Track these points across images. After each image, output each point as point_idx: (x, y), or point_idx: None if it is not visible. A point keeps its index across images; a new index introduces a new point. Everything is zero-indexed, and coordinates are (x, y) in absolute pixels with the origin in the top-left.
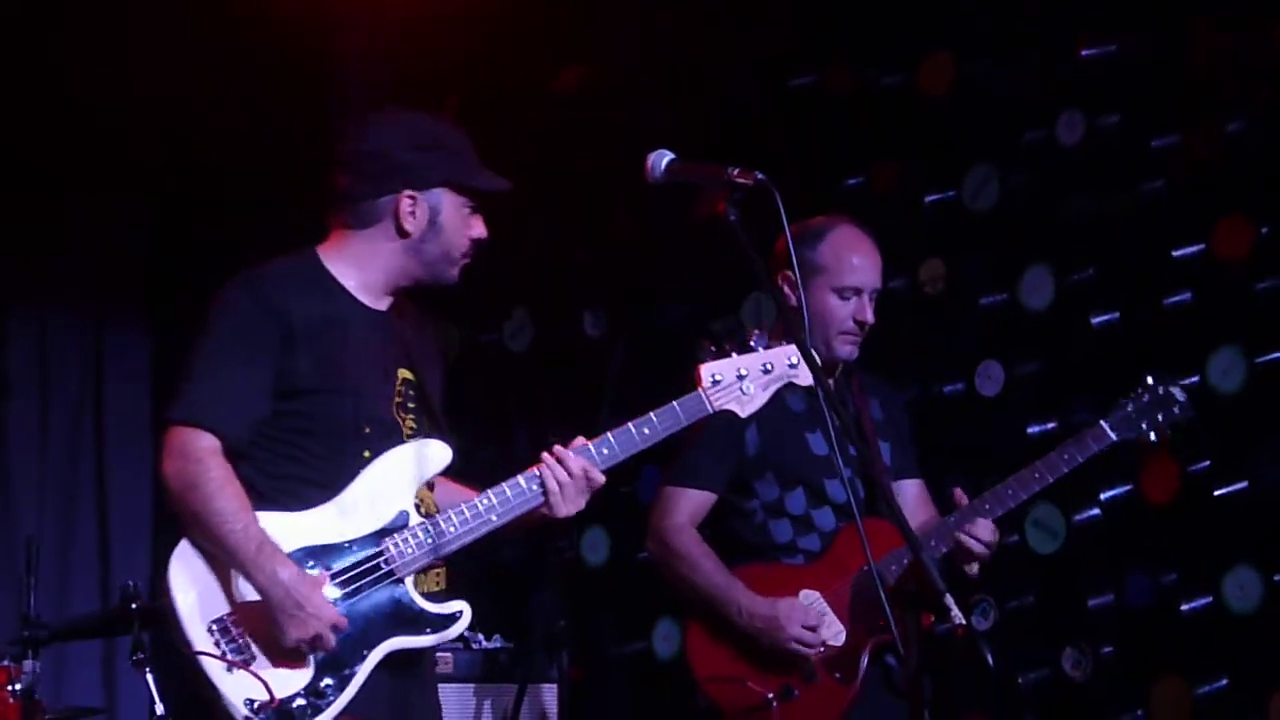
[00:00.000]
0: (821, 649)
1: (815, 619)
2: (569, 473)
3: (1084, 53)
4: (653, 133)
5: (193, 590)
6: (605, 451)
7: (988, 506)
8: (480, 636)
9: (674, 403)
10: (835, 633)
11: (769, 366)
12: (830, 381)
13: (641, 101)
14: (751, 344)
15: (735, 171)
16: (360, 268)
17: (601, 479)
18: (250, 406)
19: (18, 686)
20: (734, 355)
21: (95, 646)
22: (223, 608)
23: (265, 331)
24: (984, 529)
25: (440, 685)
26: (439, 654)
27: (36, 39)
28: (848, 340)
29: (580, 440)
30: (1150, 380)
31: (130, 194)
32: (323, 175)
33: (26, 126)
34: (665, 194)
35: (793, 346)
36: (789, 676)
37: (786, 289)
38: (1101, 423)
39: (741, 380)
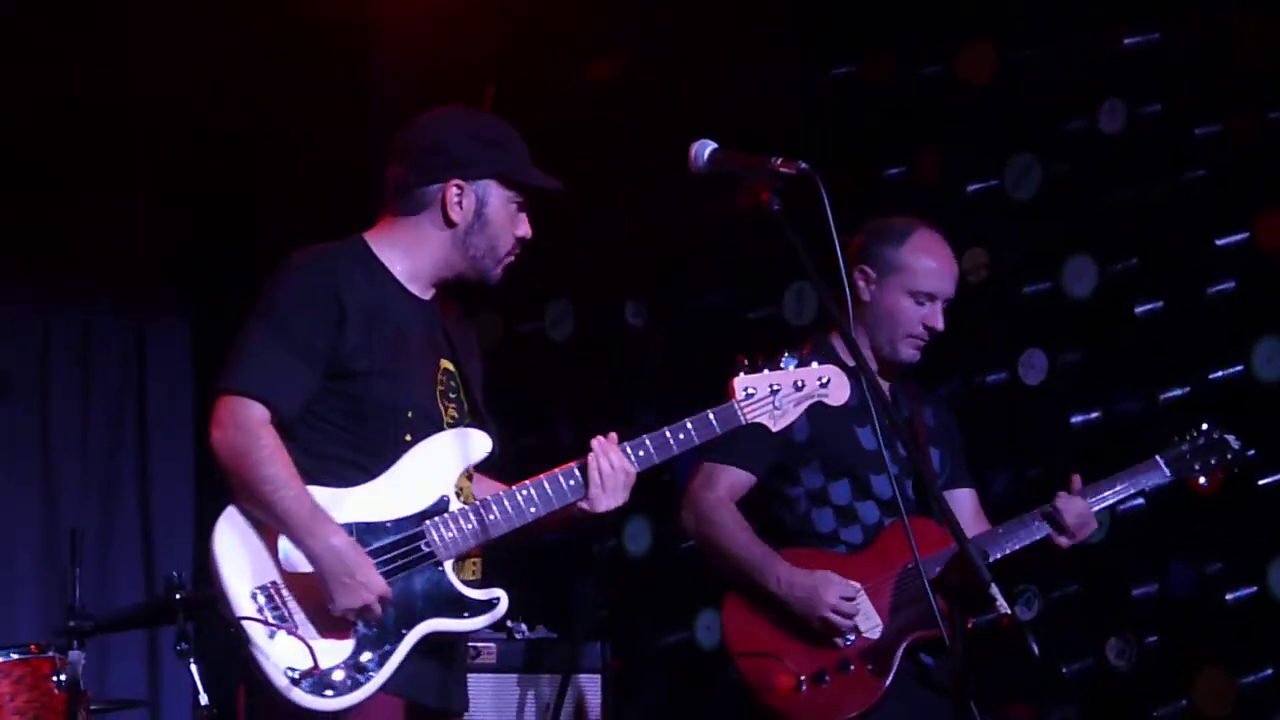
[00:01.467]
0: (856, 634)
1: (852, 593)
2: (612, 464)
3: (1126, 41)
4: (692, 122)
5: (238, 556)
6: (641, 454)
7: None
8: (523, 626)
9: (709, 412)
10: (872, 625)
11: (800, 384)
12: (887, 385)
13: (680, 91)
14: (782, 364)
15: (779, 161)
16: (407, 255)
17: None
18: (303, 382)
19: (63, 677)
20: (766, 371)
21: (139, 638)
22: (269, 574)
23: (320, 310)
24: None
25: (483, 676)
26: (482, 644)
27: (79, 44)
28: (913, 344)
29: (612, 435)
30: (1205, 426)
31: (170, 192)
32: (378, 170)
33: (69, 129)
34: (708, 183)
35: (827, 367)
36: (824, 661)
37: (861, 283)
38: (1157, 458)
39: (774, 395)
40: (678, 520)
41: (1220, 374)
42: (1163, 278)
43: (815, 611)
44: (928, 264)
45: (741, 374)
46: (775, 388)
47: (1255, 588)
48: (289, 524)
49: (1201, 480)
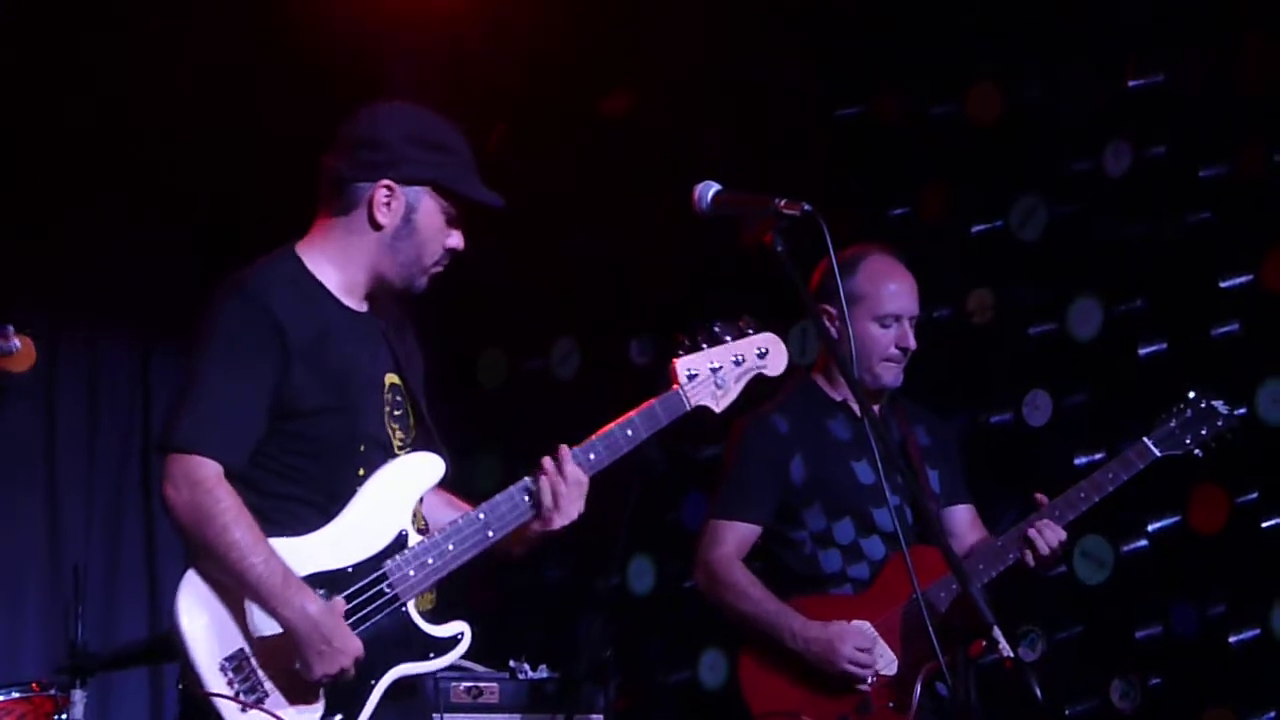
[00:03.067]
0: (875, 676)
1: (869, 642)
2: (566, 481)
3: (1131, 84)
4: (700, 159)
5: (203, 625)
6: (593, 457)
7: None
8: (526, 666)
9: (654, 403)
10: (888, 661)
11: (740, 358)
12: (875, 409)
13: (689, 127)
14: (718, 332)
15: (782, 202)
16: (339, 266)
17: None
18: (251, 429)
19: (65, 717)
20: (705, 348)
21: (142, 675)
22: (236, 641)
23: (262, 344)
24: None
25: (486, 716)
26: (484, 684)
27: (89, 64)
28: (891, 367)
29: (564, 448)
30: (1192, 395)
31: (178, 216)
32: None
33: (76, 148)
34: (713, 223)
35: (763, 335)
36: (844, 708)
37: (827, 322)
38: (1145, 439)
39: (715, 374)
40: (690, 574)
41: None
42: (1167, 319)
43: (833, 664)
44: (885, 287)
45: (681, 354)
46: (715, 366)
47: (1259, 630)
48: (261, 592)
49: (1196, 452)
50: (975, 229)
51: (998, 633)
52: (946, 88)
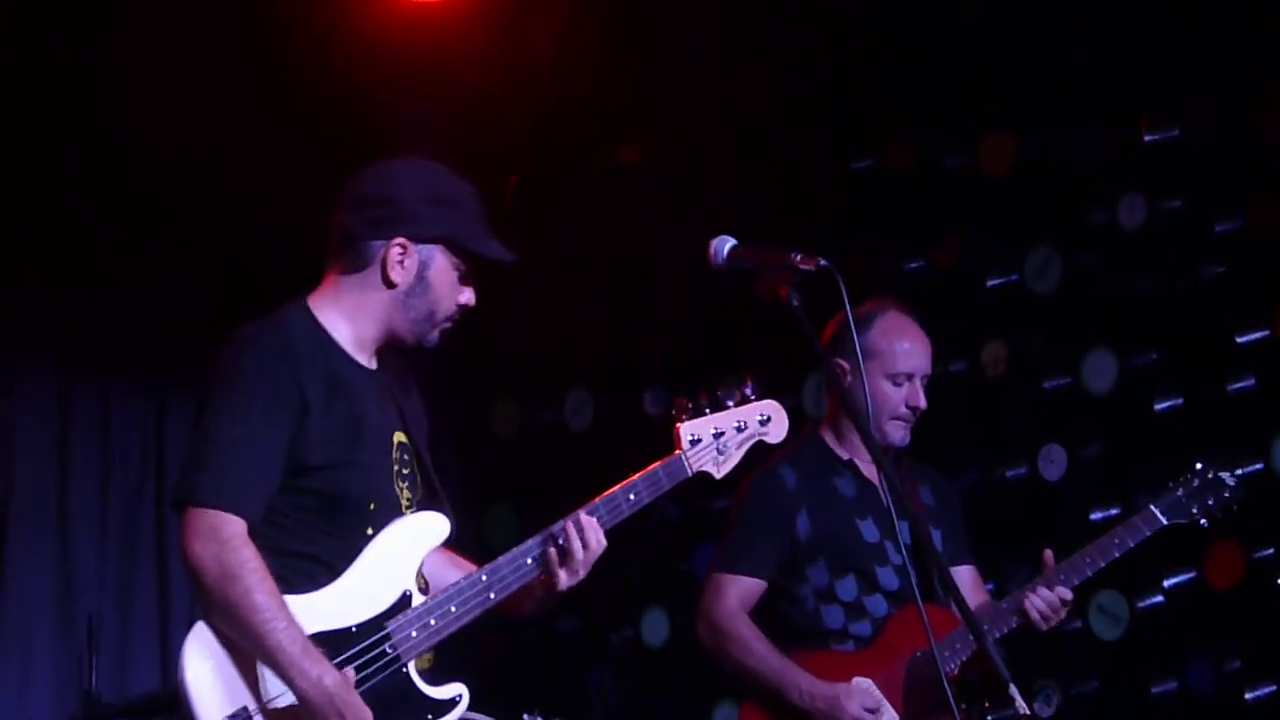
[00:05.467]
0: None
1: (874, 702)
2: (586, 544)
3: (1147, 137)
4: (714, 210)
5: (210, 681)
6: (595, 519)
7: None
8: (539, 719)
9: (658, 467)
10: (890, 718)
11: (742, 424)
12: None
13: (702, 180)
14: (721, 396)
15: (798, 257)
16: (350, 321)
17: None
18: (270, 483)
19: None
20: (709, 413)
21: None
22: (240, 700)
23: (280, 395)
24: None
25: None
26: None
27: (98, 115)
28: (900, 425)
29: (591, 519)
30: (1199, 466)
31: (191, 268)
32: (328, 215)
33: (88, 199)
34: (728, 276)
35: (765, 402)
36: None
37: (840, 376)
38: (1151, 507)
39: (717, 439)
40: (694, 630)
41: (1241, 471)
42: (1183, 373)
43: None
44: (901, 345)
45: (685, 419)
46: (718, 431)
47: (1275, 686)
48: (278, 659)
49: (1202, 522)
50: (990, 282)
51: (1014, 689)
52: (960, 140)
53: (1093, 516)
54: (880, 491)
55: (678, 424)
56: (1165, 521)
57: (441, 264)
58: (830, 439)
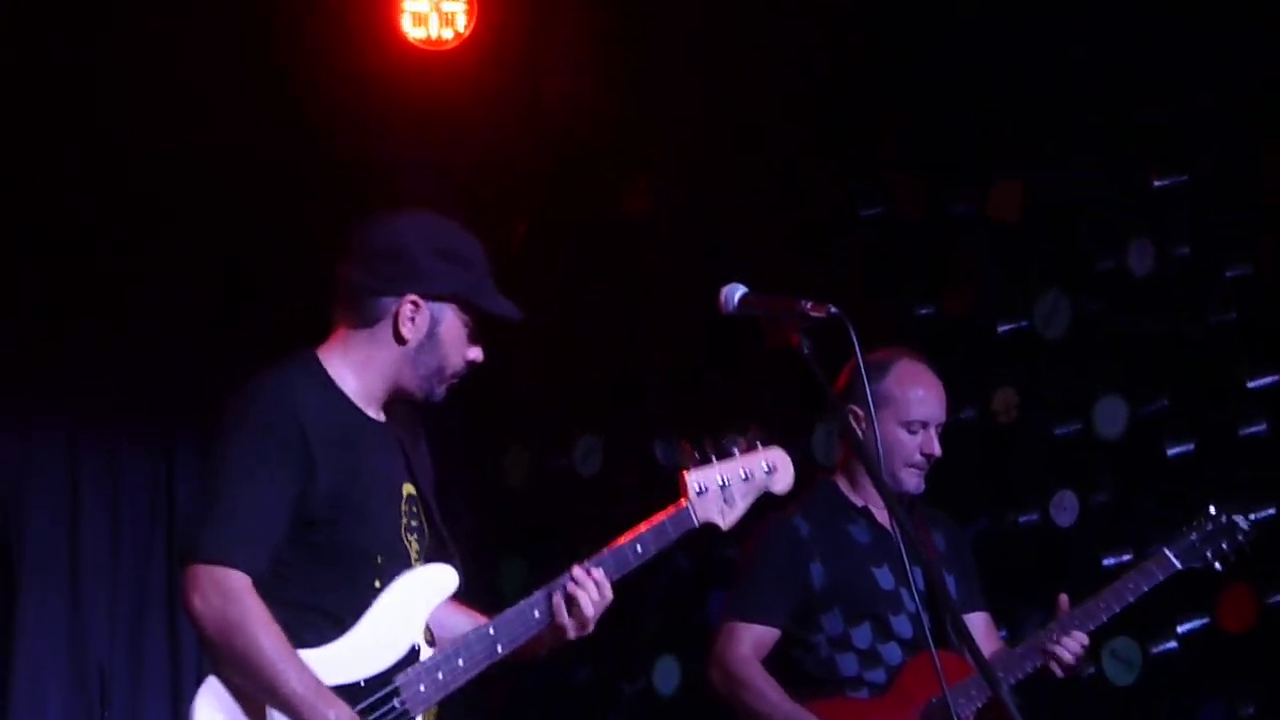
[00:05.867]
0: None
1: None
2: (593, 597)
3: (1156, 184)
4: (724, 256)
5: None
6: (601, 572)
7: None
8: None
9: (665, 519)
10: None
11: (748, 474)
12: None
13: (710, 228)
14: (726, 445)
15: (809, 305)
16: (359, 374)
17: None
18: (276, 539)
19: None
20: (715, 462)
21: None
22: None
23: (287, 448)
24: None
25: None
26: None
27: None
28: (914, 473)
29: (600, 571)
30: (1213, 510)
31: (197, 318)
32: (335, 265)
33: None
34: (738, 323)
35: (771, 451)
36: None
37: (853, 423)
38: (1165, 550)
39: (723, 490)
40: (706, 678)
41: (1255, 516)
42: (1194, 419)
43: None
44: (915, 392)
45: (691, 468)
46: (724, 482)
47: None
48: (294, 706)
49: (1216, 565)
50: (1000, 328)
51: None
52: (968, 186)
53: (1105, 562)
54: (894, 538)
55: (684, 472)
56: (1179, 565)
57: (452, 321)
58: (844, 486)
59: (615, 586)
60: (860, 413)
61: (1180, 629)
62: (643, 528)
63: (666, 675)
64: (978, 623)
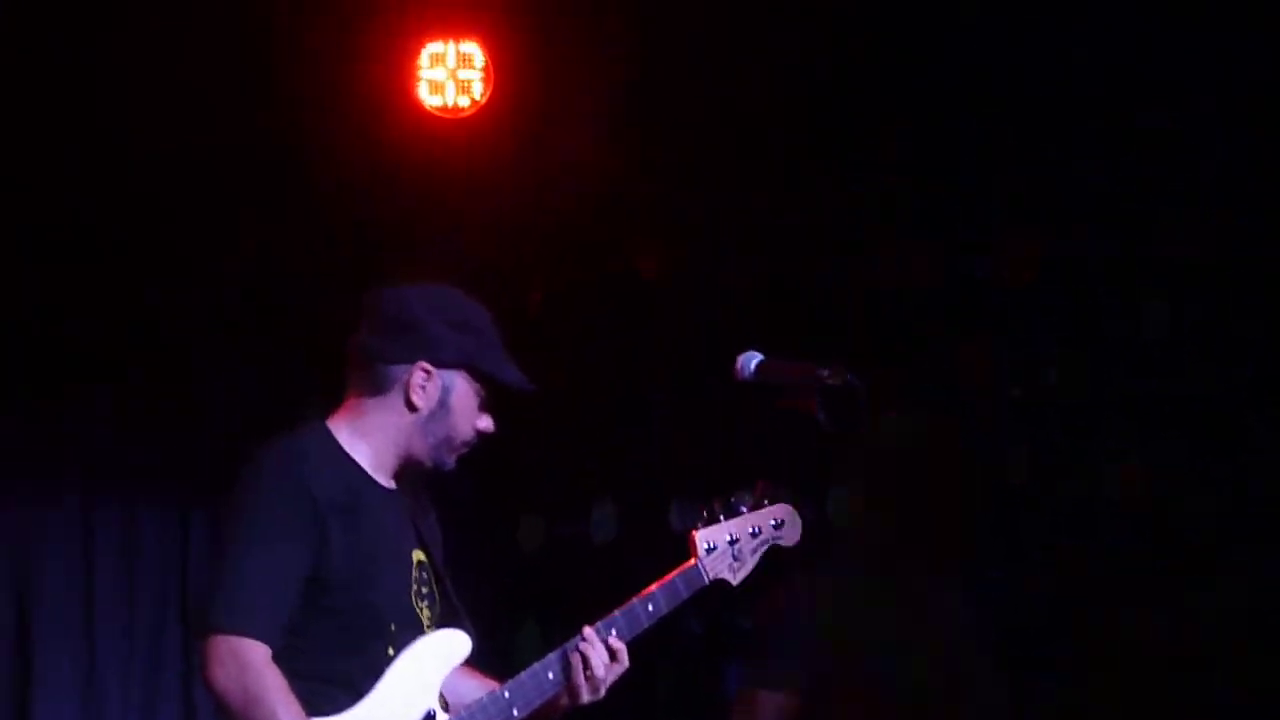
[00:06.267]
0: None
1: None
2: (606, 659)
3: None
4: (734, 323)
5: None
6: (614, 632)
7: None
8: None
9: (676, 578)
10: None
11: (757, 530)
12: None
13: (723, 291)
14: (734, 503)
15: (826, 373)
16: (371, 443)
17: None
18: (288, 608)
19: None
20: (723, 520)
21: None
22: None
23: (299, 518)
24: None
25: None
26: None
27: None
28: None
29: (587, 628)
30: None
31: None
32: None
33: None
34: (753, 389)
35: (779, 506)
36: None
37: None
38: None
39: (732, 546)
40: None
41: None
42: (1211, 477)
43: None
44: None
45: (701, 526)
46: (733, 539)
47: None
48: None
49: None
50: (1013, 390)
51: None
52: (982, 248)
53: None
54: None
55: (693, 531)
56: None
57: (463, 389)
58: None
59: (631, 649)
60: None
61: None
62: (654, 587)
63: None
64: None
